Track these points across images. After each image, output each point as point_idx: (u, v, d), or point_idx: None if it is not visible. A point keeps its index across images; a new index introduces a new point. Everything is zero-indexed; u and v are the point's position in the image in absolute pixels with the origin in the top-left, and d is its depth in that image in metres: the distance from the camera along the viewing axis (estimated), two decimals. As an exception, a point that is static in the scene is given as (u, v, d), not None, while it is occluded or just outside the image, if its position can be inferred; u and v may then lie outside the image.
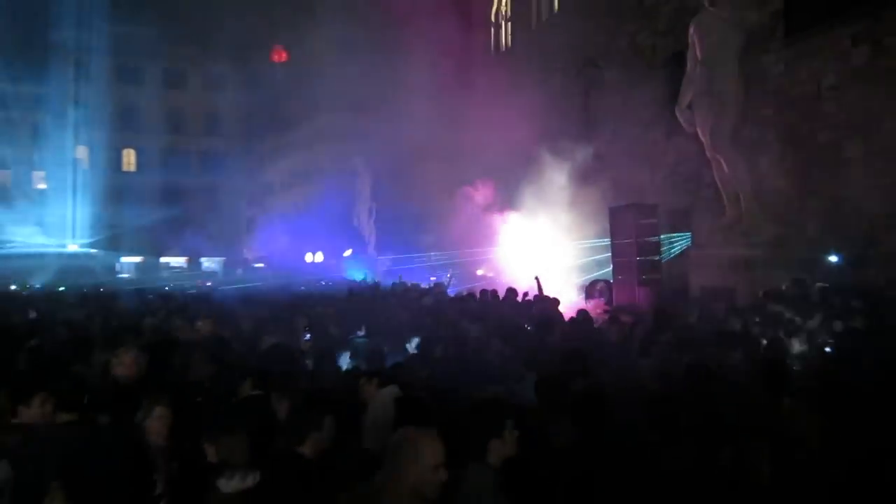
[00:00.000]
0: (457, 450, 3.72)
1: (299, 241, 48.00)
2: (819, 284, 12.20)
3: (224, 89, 60.08)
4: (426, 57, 25.20)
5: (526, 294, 15.04)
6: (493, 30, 34.36)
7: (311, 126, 33.21)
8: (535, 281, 15.69)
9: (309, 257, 47.32)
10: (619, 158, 18.50)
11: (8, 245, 48.73)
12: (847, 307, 10.06)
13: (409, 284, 21.61)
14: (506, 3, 33.40)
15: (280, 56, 34.98)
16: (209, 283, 30.94)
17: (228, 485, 4.13)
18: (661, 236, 17.21)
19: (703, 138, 16.00)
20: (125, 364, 6.01)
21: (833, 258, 13.27)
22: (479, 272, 23.85)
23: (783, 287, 12.34)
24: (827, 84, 14.95)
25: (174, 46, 57.70)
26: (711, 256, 15.57)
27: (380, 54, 26.18)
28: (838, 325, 9.44)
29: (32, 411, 4.84)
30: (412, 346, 9.21)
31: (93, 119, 56.93)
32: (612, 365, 8.42)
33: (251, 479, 4.13)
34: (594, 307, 15.04)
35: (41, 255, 45.92)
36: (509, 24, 33.23)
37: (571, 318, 11.42)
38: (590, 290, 17.44)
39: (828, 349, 8.90)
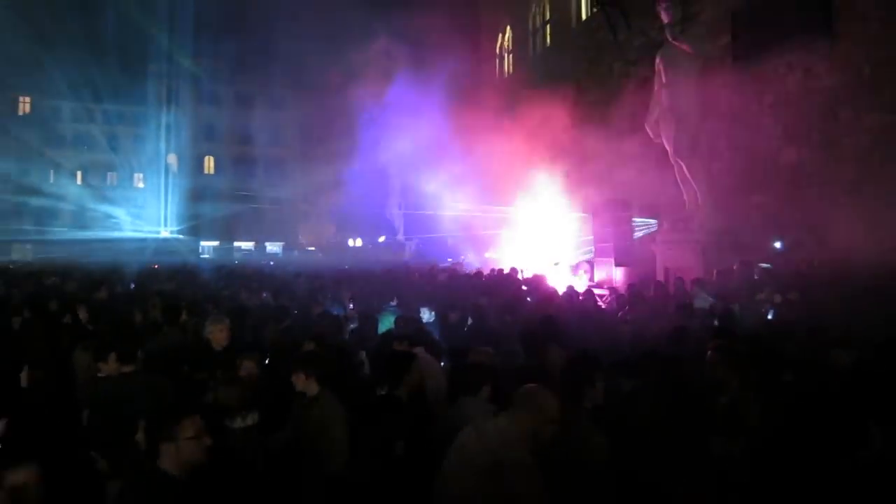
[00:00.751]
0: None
1: (343, 229, 48.11)
2: (762, 265, 12.05)
3: (285, 108, 60.09)
4: (444, 82, 25.12)
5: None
6: (497, 60, 34.08)
7: (352, 138, 33.14)
8: (553, 265, 15.26)
9: (351, 242, 47.40)
10: (600, 162, 18.32)
11: (115, 232, 49.21)
12: (785, 284, 9.92)
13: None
14: (508, 37, 33.10)
15: (337, 80, 35.13)
16: (272, 263, 30.94)
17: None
18: (635, 220, 17.13)
19: (667, 147, 15.84)
20: (219, 334, 5.85)
21: (777, 244, 13.13)
22: (487, 255, 23.72)
23: (733, 267, 12.18)
24: (766, 102, 14.97)
25: (245, 74, 57.80)
26: (674, 242, 15.42)
27: (408, 83, 26.11)
28: (777, 298, 9.30)
29: (109, 366, 4.91)
30: (428, 314, 9.11)
31: (180, 132, 57.23)
32: (593, 329, 8.36)
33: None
34: (580, 284, 14.93)
35: (141, 240, 46.28)
36: (511, 55, 32.97)
37: (563, 293, 11.33)
38: (575, 269, 17.32)
39: (769, 317, 8.77)
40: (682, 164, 15.49)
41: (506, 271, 14.94)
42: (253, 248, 56.94)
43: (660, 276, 14.41)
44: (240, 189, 56.08)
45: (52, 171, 59.70)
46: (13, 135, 58.43)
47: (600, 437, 3.63)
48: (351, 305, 9.74)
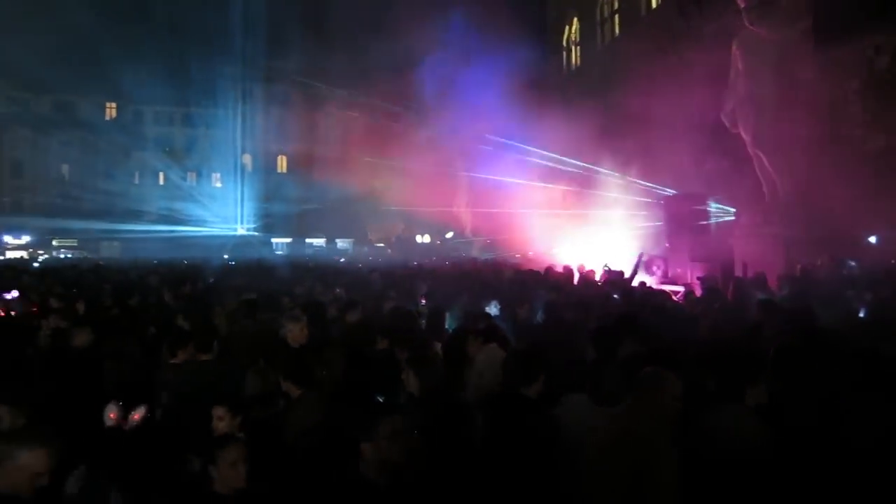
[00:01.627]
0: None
1: (412, 226, 48.48)
2: (851, 261, 11.39)
3: (355, 106, 60.93)
4: (511, 77, 24.88)
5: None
6: (564, 53, 33.57)
7: (420, 134, 33.31)
8: (637, 258, 14.70)
9: (419, 238, 47.74)
10: (673, 154, 17.76)
11: (195, 229, 51.19)
12: (877, 280, 9.33)
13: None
14: (575, 29, 32.54)
15: (410, 79, 35.40)
16: (343, 259, 31.43)
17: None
18: (711, 214, 16.46)
19: (745, 137, 15.19)
20: (298, 332, 5.82)
21: (871, 239, 12.41)
22: (554, 251, 23.33)
23: (818, 262, 11.57)
24: (852, 88, 14.08)
25: (313, 76, 58.92)
26: (754, 237, 14.79)
27: (475, 79, 25.99)
28: (868, 296, 8.75)
29: (186, 353, 5.25)
30: (493, 309, 8.96)
31: (254, 133, 58.96)
32: (669, 327, 8.06)
33: None
34: (652, 280, 14.48)
35: (218, 237, 47.94)
36: (578, 47, 32.40)
37: (633, 289, 11.01)
38: (648, 266, 16.81)
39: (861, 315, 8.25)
40: (761, 154, 14.83)
41: (576, 267, 14.64)
42: (324, 245, 58.12)
43: (738, 272, 13.84)
44: (311, 187, 57.27)
45: (136, 173, 62.67)
46: (101, 138, 61.64)
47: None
48: (423, 301, 9.73)
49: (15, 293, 9.49)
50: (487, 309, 8.70)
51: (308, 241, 58.27)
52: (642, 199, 19.54)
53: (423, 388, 4.31)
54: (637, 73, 22.30)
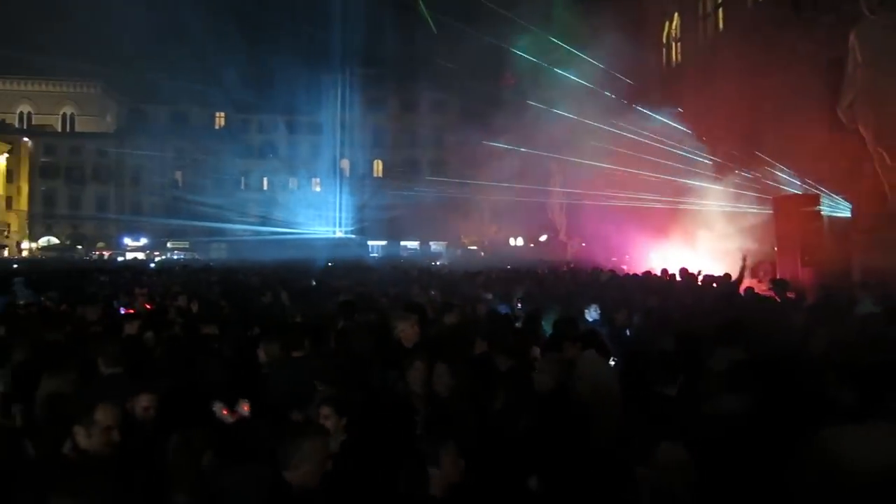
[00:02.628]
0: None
1: (505, 228, 48.40)
2: None
3: (446, 111, 61.63)
4: (607, 75, 24.37)
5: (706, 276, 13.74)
6: (664, 49, 32.51)
7: (514, 136, 33.16)
8: (742, 261, 13.96)
9: (512, 241, 47.57)
10: (784, 153, 16.81)
11: (296, 232, 53.32)
12: None
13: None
14: (676, 25, 31.46)
15: (508, 81, 35.30)
16: (437, 262, 31.73)
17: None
18: (824, 215, 15.47)
19: (864, 134, 14.17)
20: (409, 330, 5.80)
21: None
22: (653, 255, 22.60)
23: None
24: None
25: (408, 81, 59.94)
26: (874, 240, 13.77)
27: (570, 77, 25.63)
28: None
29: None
30: (593, 313, 8.78)
31: (352, 139, 60.77)
32: (778, 335, 7.63)
33: None
34: (758, 285, 13.75)
35: (318, 240, 49.68)
36: (679, 43, 31.30)
37: (741, 293, 10.52)
38: (755, 269, 16.00)
39: None
40: (883, 152, 13.80)
41: (677, 271, 14.13)
42: (418, 248, 59.06)
43: (856, 278, 12.94)
44: (405, 190, 58.34)
45: (242, 178, 66.04)
46: (211, 146, 65.45)
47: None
48: (519, 304, 9.69)
49: (144, 291, 10.25)
50: (587, 314, 8.56)
51: (402, 243, 59.38)
52: (750, 198, 18.62)
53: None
54: (744, 69, 21.31)
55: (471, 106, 49.90)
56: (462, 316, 8.03)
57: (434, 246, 59.32)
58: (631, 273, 16.34)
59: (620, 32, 25.42)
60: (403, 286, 13.10)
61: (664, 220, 21.52)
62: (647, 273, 14.82)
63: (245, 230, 56.75)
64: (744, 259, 13.52)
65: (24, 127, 72.87)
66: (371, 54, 56.57)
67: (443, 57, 42.65)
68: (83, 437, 2.88)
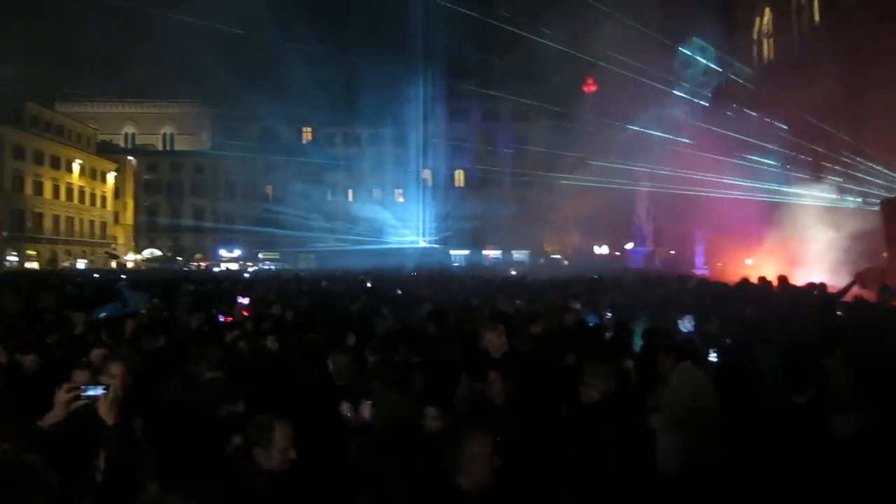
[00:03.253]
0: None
1: (588, 237, 47.61)
2: None
3: (528, 119, 61.34)
4: (694, 75, 23.61)
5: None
6: (755, 46, 31.22)
7: (597, 143, 32.62)
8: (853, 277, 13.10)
9: (596, 249, 46.72)
10: (892, 150, 15.76)
11: (381, 241, 54.44)
12: None
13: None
14: (767, 20, 30.18)
15: (590, 88, 34.81)
16: (515, 272, 31.48)
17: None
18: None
19: None
20: (497, 340, 5.71)
21: None
22: (749, 262, 21.64)
23: None
24: None
25: (489, 90, 60.04)
26: None
27: (656, 78, 24.96)
28: None
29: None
30: (687, 324, 8.47)
31: (435, 149, 61.49)
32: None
33: None
34: (868, 294, 12.88)
35: (402, 250, 50.43)
36: (771, 39, 30.01)
37: (847, 304, 9.90)
38: (862, 275, 15.01)
39: None
40: None
41: (776, 278, 13.47)
42: (500, 256, 58.96)
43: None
44: (488, 199, 58.45)
45: (329, 190, 68.00)
46: (298, 160, 67.79)
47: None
48: (608, 314, 9.48)
49: (246, 300, 10.69)
50: (680, 324, 8.29)
51: (485, 252, 59.44)
52: (853, 201, 17.56)
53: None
54: (845, 62, 20.16)
55: (553, 114, 49.52)
56: (548, 326, 7.93)
57: (516, 255, 59.07)
58: (724, 281, 15.72)
59: (708, 32, 24.66)
60: (488, 295, 13.06)
61: (759, 226, 20.58)
62: (743, 280, 14.19)
63: (331, 241, 58.35)
64: (856, 276, 12.67)
65: (129, 147, 77.95)
66: (453, 65, 57.22)
67: (524, 66, 42.59)
68: (265, 458, 2.92)
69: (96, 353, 4.73)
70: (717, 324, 7.98)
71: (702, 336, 7.79)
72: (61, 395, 2.73)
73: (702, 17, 26.46)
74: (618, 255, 40.60)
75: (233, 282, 19.83)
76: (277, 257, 62.57)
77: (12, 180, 54.79)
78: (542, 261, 51.02)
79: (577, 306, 9.93)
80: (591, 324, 8.40)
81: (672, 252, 29.86)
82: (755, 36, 31.24)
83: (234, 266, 54.29)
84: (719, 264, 22.58)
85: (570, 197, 43.11)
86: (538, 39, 34.57)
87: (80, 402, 2.81)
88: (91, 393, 2.81)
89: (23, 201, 56.11)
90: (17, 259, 54.15)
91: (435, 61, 55.96)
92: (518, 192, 59.27)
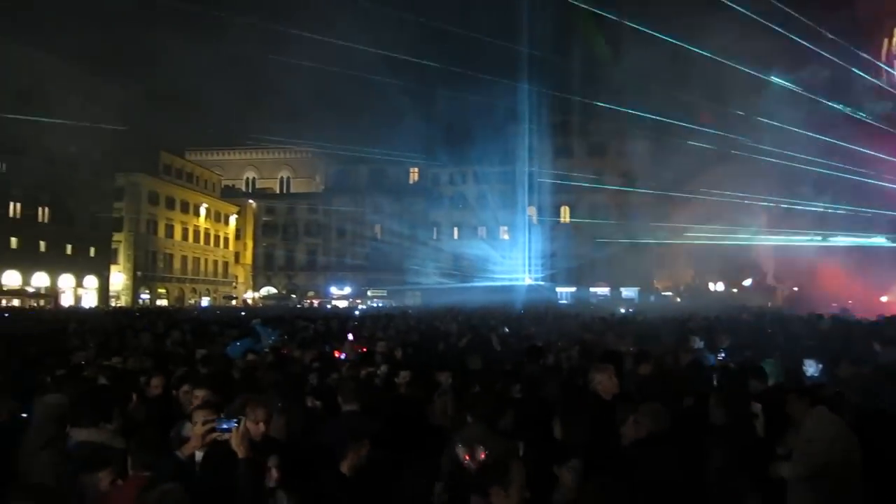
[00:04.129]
0: None
1: (703, 273, 45.62)
2: None
3: (636, 154, 60.12)
4: (819, 97, 22.39)
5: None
6: (884, 71, 29.26)
7: (710, 175, 31.43)
8: None
9: (711, 286, 44.65)
10: None
11: (486, 279, 54.59)
12: None
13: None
14: (898, 43, 28.31)
15: (706, 120, 33.85)
16: (630, 309, 30.51)
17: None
18: None
19: None
20: (607, 382, 5.48)
21: None
22: (884, 299, 20.01)
23: None
24: None
25: (596, 125, 59.41)
26: None
27: (777, 102, 23.89)
28: None
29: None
30: (811, 368, 7.86)
31: (540, 186, 61.35)
32: None
33: None
34: None
35: (508, 287, 50.28)
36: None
37: None
38: None
39: None
40: None
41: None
42: (608, 293, 57.52)
43: None
44: (595, 235, 57.43)
45: (434, 229, 69.25)
46: (406, 199, 69.73)
47: None
48: (722, 354, 9.00)
49: (350, 336, 11.04)
50: (805, 368, 7.75)
51: (592, 289, 58.20)
52: None
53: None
54: None
55: (660, 146, 48.32)
56: (659, 366, 7.63)
57: (625, 291, 57.41)
58: (858, 319, 14.56)
59: (834, 56, 23.43)
60: (597, 332, 12.76)
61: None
62: (883, 318, 13.12)
63: (437, 278, 59.18)
64: None
65: (250, 191, 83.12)
66: (557, 102, 57.23)
67: (631, 100, 42.02)
68: (502, 499, 2.97)
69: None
70: (848, 366, 7.40)
71: (831, 380, 7.24)
72: (198, 428, 2.90)
73: (828, 43, 25.20)
74: (735, 293, 38.55)
75: (344, 319, 20.47)
76: (385, 294, 64.10)
77: (147, 224, 59.60)
78: (652, 298, 49.26)
79: (700, 344, 9.49)
80: (708, 364, 7.99)
81: (795, 289, 28.03)
82: (883, 57, 29.38)
83: (343, 303, 56.10)
84: (850, 302, 20.97)
85: (682, 230, 41.62)
86: (646, 74, 34.13)
87: (215, 435, 2.97)
88: (225, 426, 2.97)
89: (155, 243, 60.83)
90: (148, 296, 58.58)
91: (540, 99, 56.27)
92: (626, 226, 57.79)
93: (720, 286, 44.78)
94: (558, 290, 58.33)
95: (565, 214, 66.37)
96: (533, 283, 55.41)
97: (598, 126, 58.62)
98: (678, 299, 45.74)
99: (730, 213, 31.14)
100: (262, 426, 3.28)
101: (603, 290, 58.63)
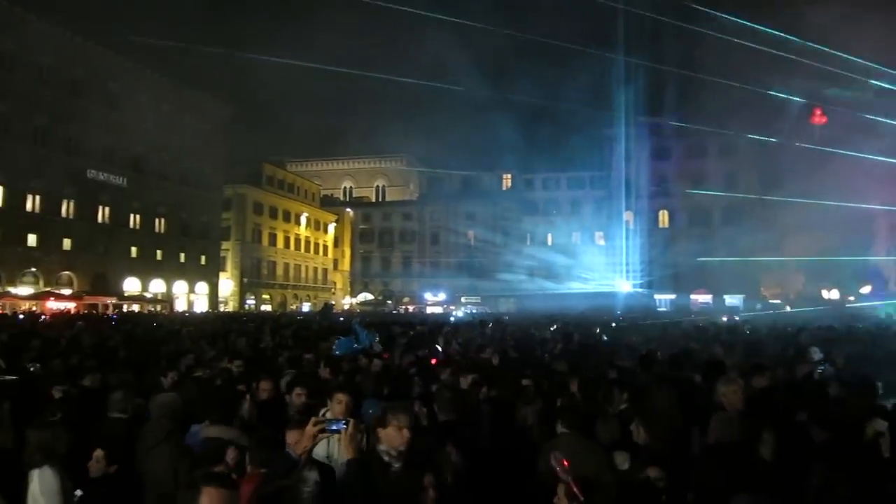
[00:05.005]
0: None
1: (815, 279, 42.99)
2: None
3: (739, 153, 57.56)
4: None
5: None
6: None
7: (821, 173, 29.58)
8: None
9: (825, 294, 41.99)
10: None
11: (581, 286, 53.71)
12: None
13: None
14: None
15: (820, 119, 31.81)
16: (736, 318, 29.09)
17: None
18: None
19: None
20: (731, 396, 5.04)
21: None
22: None
23: None
24: None
25: (695, 123, 57.35)
26: None
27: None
28: None
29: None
30: None
31: (637, 190, 59.81)
32: None
33: None
34: None
35: (603, 294, 49.25)
36: None
37: None
38: None
39: None
40: None
41: None
42: (710, 301, 55.18)
43: None
44: (695, 241, 55.28)
45: (528, 235, 68.85)
46: (499, 206, 69.77)
47: None
48: (824, 366, 8.40)
49: (441, 343, 11.17)
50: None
51: (693, 297, 56.03)
52: None
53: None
54: None
55: (769, 146, 45.99)
56: (773, 379, 7.23)
57: (729, 299, 54.83)
58: None
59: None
60: (703, 343, 12.25)
61: None
62: None
63: (530, 284, 58.74)
64: None
65: (347, 199, 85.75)
66: (653, 103, 55.71)
67: (733, 97, 40.21)
68: None
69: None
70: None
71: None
72: (309, 428, 3.03)
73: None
74: (851, 301, 36.05)
75: (439, 325, 20.68)
76: (479, 301, 64.26)
77: (252, 233, 62.60)
78: (759, 306, 46.78)
79: (819, 356, 8.94)
80: (826, 378, 7.51)
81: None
82: None
83: (438, 309, 56.68)
84: None
85: (791, 235, 39.36)
86: (748, 69, 32.56)
87: (325, 435, 3.10)
88: (335, 427, 3.09)
89: (260, 251, 63.77)
90: (253, 302, 61.45)
91: (635, 98, 54.88)
92: (729, 231, 55.19)
93: (834, 294, 42.02)
94: (656, 297, 56.50)
95: (664, 219, 64.29)
96: (630, 289, 53.93)
97: (698, 125, 56.44)
98: (787, 307, 43.27)
99: (845, 218, 29.23)
100: (405, 433, 3.30)
101: (704, 298, 56.28)
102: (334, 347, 9.82)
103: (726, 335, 14.63)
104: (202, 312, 45.29)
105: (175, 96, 52.60)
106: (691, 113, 53.66)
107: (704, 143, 60.27)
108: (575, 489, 3.22)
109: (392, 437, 3.42)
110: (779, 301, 49.69)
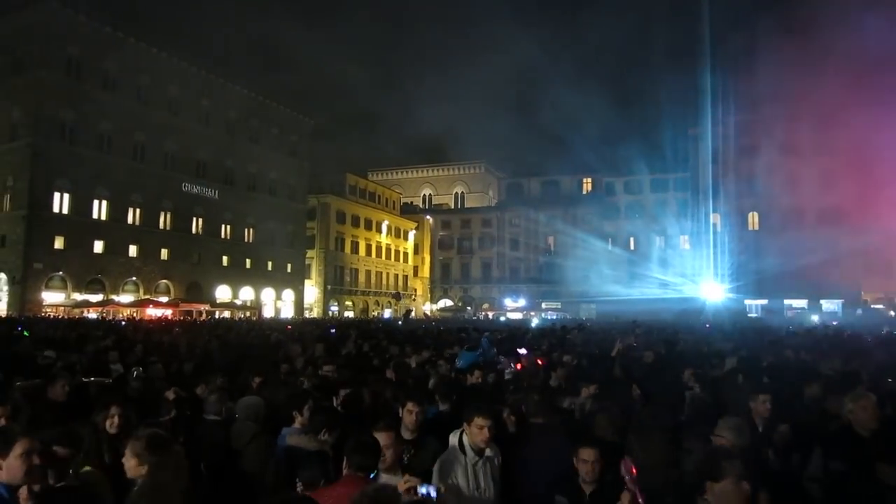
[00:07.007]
0: None
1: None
2: None
3: (832, 152, 54.31)
4: None
5: None
6: None
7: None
8: None
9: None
10: None
11: (665, 291, 52.05)
12: None
13: None
14: None
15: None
16: (834, 323, 27.47)
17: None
18: None
19: None
20: (861, 413, 4.43)
21: None
22: None
23: None
24: None
25: (784, 122, 54.63)
26: None
27: None
28: None
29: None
30: None
31: (725, 191, 57.46)
32: None
33: None
34: None
35: (690, 300, 47.54)
36: None
37: None
38: None
39: None
40: None
41: None
42: (805, 307, 52.31)
43: None
44: (788, 243, 52.49)
45: (609, 240, 67.41)
46: (579, 210, 68.71)
47: None
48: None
49: (524, 350, 10.96)
50: None
51: (786, 302, 53.25)
52: None
53: None
54: None
55: (872, 141, 43.22)
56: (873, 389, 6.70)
57: (826, 304, 51.78)
58: None
59: None
60: (815, 353, 11.48)
61: None
62: None
63: (612, 290, 57.38)
64: None
65: (427, 207, 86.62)
66: (740, 100, 53.45)
67: (829, 86, 38.06)
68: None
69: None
70: None
71: None
72: (400, 485, 2.91)
73: None
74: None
75: (521, 331, 20.48)
76: (559, 307, 63.39)
77: (335, 241, 64.16)
78: (859, 311, 43.96)
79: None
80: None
81: None
82: None
83: (517, 315, 56.27)
84: None
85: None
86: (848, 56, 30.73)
87: (414, 498, 2.89)
88: (423, 492, 2.89)
89: (343, 259, 65.26)
90: (336, 309, 62.90)
91: (721, 98, 52.84)
92: (826, 232, 52.05)
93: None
94: (747, 302, 53.97)
95: (754, 221, 61.42)
96: (719, 295, 51.75)
97: (790, 121, 53.66)
98: (892, 312, 40.48)
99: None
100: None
101: (799, 303, 53.38)
102: (458, 359, 9.85)
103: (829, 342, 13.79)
104: (289, 318, 46.63)
105: (263, 111, 54.80)
106: (781, 107, 51.09)
107: (798, 138, 57.14)
108: (640, 500, 3.22)
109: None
110: (881, 306, 46.56)
